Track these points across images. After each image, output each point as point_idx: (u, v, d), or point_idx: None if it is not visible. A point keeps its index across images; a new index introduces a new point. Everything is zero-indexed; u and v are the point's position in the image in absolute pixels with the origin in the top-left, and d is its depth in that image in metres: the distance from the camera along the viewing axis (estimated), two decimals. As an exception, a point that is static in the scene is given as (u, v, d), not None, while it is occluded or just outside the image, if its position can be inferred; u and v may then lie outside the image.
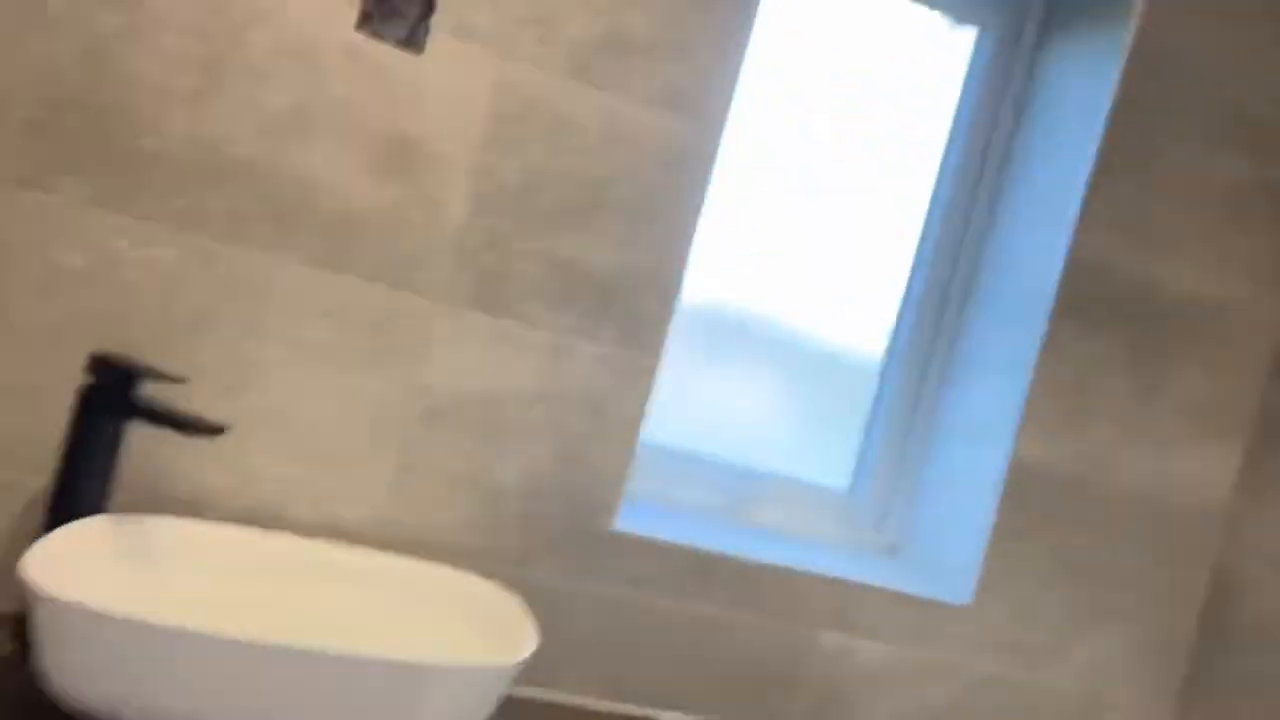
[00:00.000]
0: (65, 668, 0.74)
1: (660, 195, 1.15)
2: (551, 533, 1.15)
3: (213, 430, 0.90)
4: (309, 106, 1.03)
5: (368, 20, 1.03)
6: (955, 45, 1.44)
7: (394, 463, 1.09)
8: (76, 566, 0.86)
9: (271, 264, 1.04)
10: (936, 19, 1.43)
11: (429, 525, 1.11)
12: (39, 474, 0.99)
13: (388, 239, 1.07)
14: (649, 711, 1.19)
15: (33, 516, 0.99)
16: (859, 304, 1.43)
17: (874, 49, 1.39)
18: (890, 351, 1.45)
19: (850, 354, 1.44)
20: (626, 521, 1.19)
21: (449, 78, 1.07)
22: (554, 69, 1.10)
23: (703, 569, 1.20)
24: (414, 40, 1.05)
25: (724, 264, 1.36)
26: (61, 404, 0.99)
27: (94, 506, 0.94)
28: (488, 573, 1.13)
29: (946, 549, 1.36)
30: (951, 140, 1.44)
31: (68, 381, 0.99)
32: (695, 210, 1.16)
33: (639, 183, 1.14)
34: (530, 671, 1.15)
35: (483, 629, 1.01)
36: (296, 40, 1.02)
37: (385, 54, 1.05)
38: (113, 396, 0.92)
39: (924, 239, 1.45)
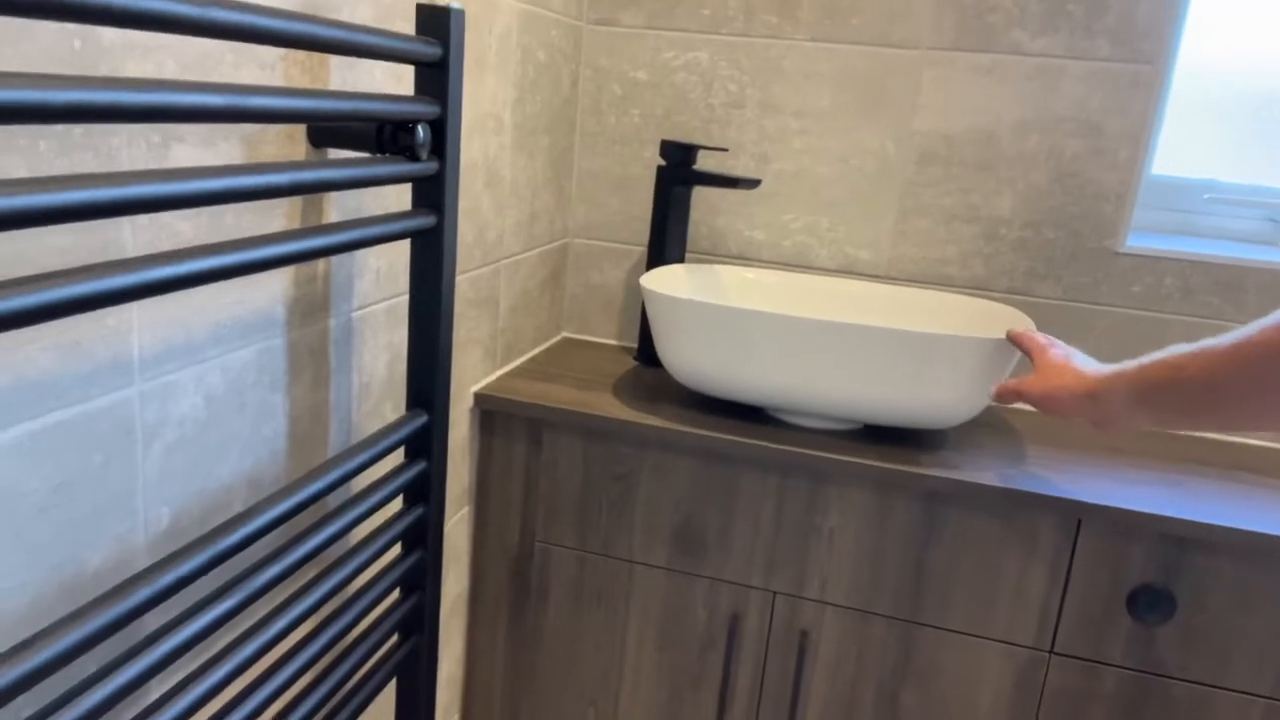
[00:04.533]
0: (672, 349, 1.07)
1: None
2: (1054, 257, 1.20)
3: (751, 183, 1.15)
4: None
5: None
6: None
7: (895, 207, 1.24)
8: (672, 290, 1.20)
9: (780, 48, 1.24)
10: None
11: (932, 260, 1.24)
12: (640, 243, 1.35)
13: (872, 0, 1.19)
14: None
15: (638, 271, 1.36)
16: None
17: None
18: None
19: None
20: (1138, 241, 1.19)
21: None
22: None
23: (1230, 282, 1.15)
24: None
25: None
26: (648, 186, 1.33)
27: (677, 258, 1.27)
28: (991, 298, 1.24)
29: None
30: None
31: (649, 169, 1.33)
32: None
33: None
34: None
35: (984, 331, 1.13)
36: None
37: None
38: (679, 170, 1.22)
39: None
